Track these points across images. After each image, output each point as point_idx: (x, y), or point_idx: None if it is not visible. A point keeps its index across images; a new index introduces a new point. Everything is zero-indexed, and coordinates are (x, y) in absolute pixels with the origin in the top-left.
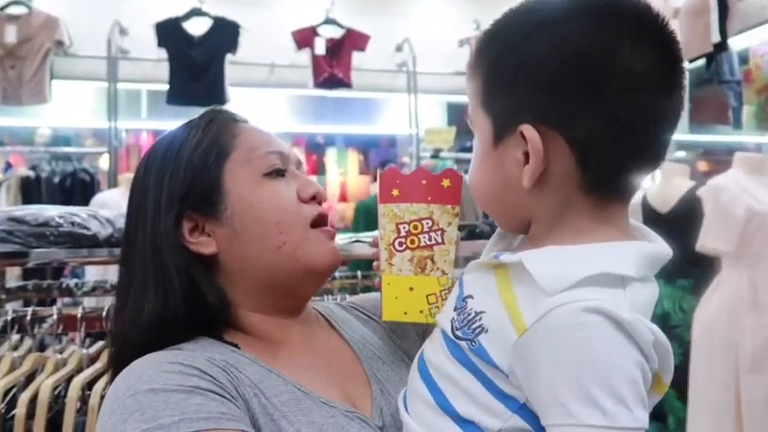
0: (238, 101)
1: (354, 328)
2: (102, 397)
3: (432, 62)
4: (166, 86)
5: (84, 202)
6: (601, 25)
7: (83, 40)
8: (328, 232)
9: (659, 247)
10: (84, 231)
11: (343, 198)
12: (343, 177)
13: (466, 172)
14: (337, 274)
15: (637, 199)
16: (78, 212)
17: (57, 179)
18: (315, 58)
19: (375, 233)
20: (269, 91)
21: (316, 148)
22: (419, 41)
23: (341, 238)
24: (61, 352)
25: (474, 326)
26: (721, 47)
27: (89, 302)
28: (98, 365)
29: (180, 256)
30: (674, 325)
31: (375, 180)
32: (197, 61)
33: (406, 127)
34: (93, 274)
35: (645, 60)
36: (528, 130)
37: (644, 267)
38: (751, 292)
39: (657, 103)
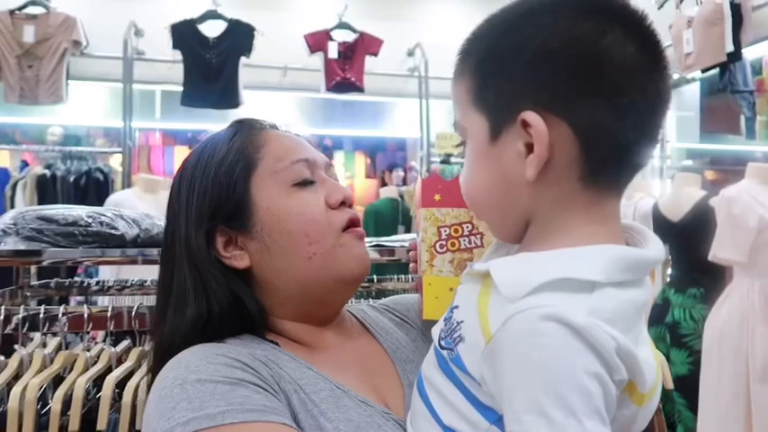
0: (251, 103)
1: (388, 330)
2: (135, 394)
3: (443, 67)
4: (180, 88)
5: (99, 201)
6: (589, 11)
7: (99, 40)
8: (358, 233)
9: (644, 252)
10: (113, 231)
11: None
12: (351, 181)
13: None
14: None
15: (648, 207)
16: (104, 212)
17: (72, 178)
18: (328, 62)
19: (400, 237)
20: (280, 94)
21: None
22: (431, 46)
23: None
24: (88, 350)
25: (455, 335)
26: (735, 57)
27: (102, 301)
28: (128, 363)
29: (216, 270)
30: (685, 334)
31: (384, 184)
32: (211, 63)
33: (414, 131)
34: (107, 273)
35: (635, 42)
36: (530, 115)
37: (618, 271)
38: (762, 301)
39: (652, 82)
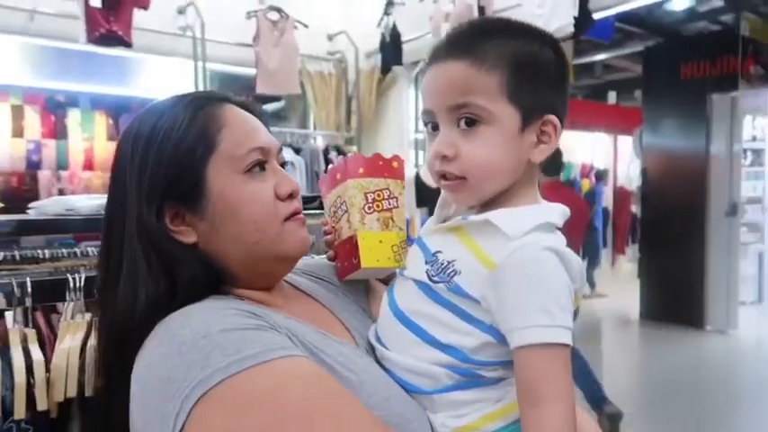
0: None
1: (313, 288)
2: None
3: (217, 30)
4: None
5: None
6: (549, 42)
7: None
8: (300, 220)
9: (564, 208)
10: None
11: (89, 166)
12: (89, 143)
13: None
14: None
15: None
16: None
17: None
18: (89, 10)
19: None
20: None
21: (55, 108)
22: (205, 9)
23: None
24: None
25: (448, 271)
26: None
27: None
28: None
29: (166, 242)
30: None
31: None
32: None
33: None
34: None
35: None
36: (553, 119)
37: (562, 220)
38: None
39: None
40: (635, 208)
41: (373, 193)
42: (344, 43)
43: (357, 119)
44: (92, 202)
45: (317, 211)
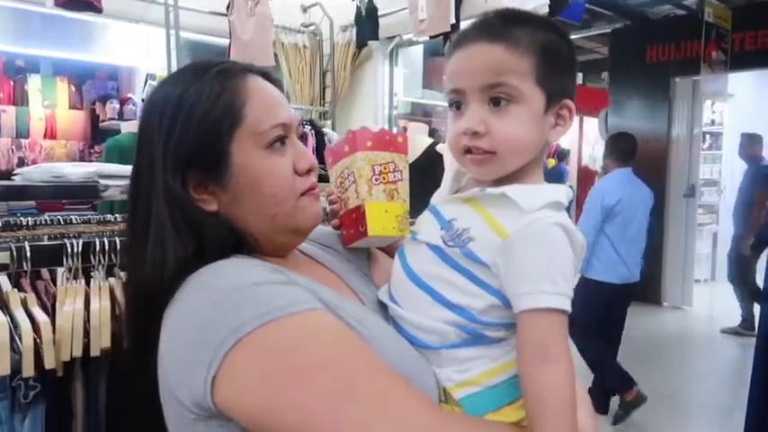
0: None
1: (319, 254)
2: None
3: None
4: None
5: None
6: (564, 34)
7: None
8: (315, 195)
9: (569, 189)
10: None
11: (51, 135)
12: (51, 110)
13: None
14: None
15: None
16: None
17: None
18: None
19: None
20: None
21: (15, 73)
22: None
23: None
24: None
25: (463, 237)
26: (456, 28)
27: None
28: None
29: (190, 208)
30: None
31: (96, 116)
32: None
33: (131, 58)
34: None
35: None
36: (570, 103)
37: (567, 200)
38: None
39: None
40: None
41: (380, 165)
42: (319, 16)
43: (332, 93)
44: (81, 169)
45: None
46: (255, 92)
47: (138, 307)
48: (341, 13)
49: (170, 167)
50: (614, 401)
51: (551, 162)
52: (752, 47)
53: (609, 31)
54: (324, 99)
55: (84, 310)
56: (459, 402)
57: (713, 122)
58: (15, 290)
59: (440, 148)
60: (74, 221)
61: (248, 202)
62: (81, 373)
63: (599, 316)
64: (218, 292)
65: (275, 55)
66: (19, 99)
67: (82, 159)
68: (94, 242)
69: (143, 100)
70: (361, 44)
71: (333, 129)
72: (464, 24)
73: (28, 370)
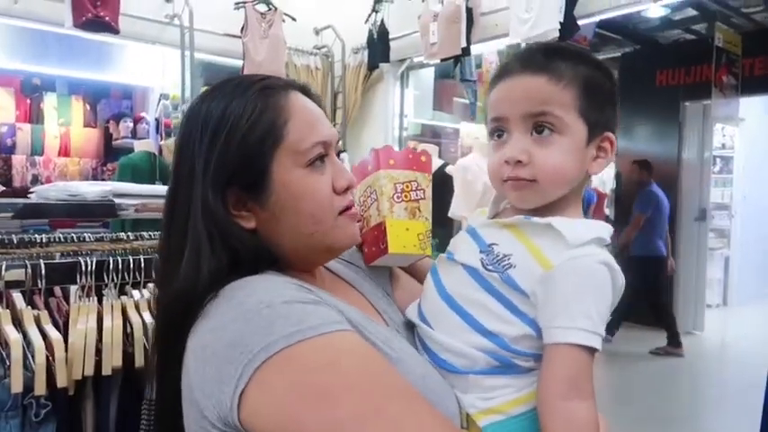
0: None
1: (342, 270)
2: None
3: (204, 20)
4: None
5: None
6: (606, 69)
7: None
8: (353, 216)
9: (610, 227)
10: None
11: (65, 152)
12: (65, 128)
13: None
14: None
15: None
16: None
17: None
18: None
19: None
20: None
21: (31, 92)
22: None
23: None
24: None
25: (503, 263)
26: (466, 51)
27: None
28: None
29: (228, 226)
30: None
31: (109, 135)
32: None
33: (146, 78)
34: None
35: None
36: (611, 136)
37: (609, 237)
38: None
39: None
40: (608, 210)
41: (402, 183)
42: (331, 38)
43: (343, 114)
44: (96, 188)
45: None
46: (297, 109)
47: (170, 322)
48: (353, 36)
49: (210, 184)
50: None
51: None
52: (762, 71)
53: (619, 55)
54: (335, 120)
55: (96, 329)
56: (482, 430)
57: (723, 146)
58: (29, 307)
59: (449, 169)
60: (87, 239)
61: (286, 220)
62: (92, 391)
63: None
64: (251, 308)
65: (287, 76)
66: (35, 117)
67: (95, 177)
68: (108, 260)
69: (157, 119)
70: (372, 66)
71: (344, 149)
72: (474, 48)
73: (40, 388)
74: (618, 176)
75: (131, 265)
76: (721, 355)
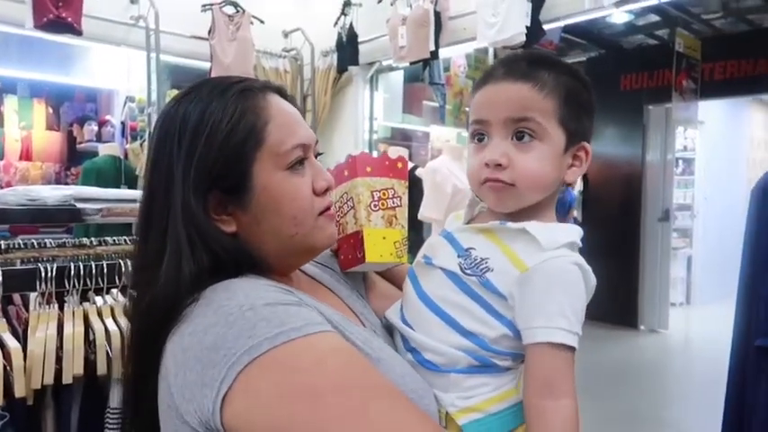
0: None
1: (316, 273)
2: None
3: (170, 22)
4: None
5: None
6: (585, 81)
7: None
8: (331, 216)
9: (580, 230)
10: None
11: (27, 156)
12: (27, 132)
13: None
14: None
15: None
16: None
17: None
18: None
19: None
20: None
21: None
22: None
23: None
24: None
25: (481, 267)
26: (435, 55)
27: None
28: None
29: (209, 230)
30: None
31: (73, 138)
32: None
33: (110, 81)
34: None
35: None
36: (588, 146)
37: (579, 240)
38: None
39: None
40: (576, 212)
41: (379, 191)
42: (300, 41)
43: (312, 117)
44: (57, 192)
45: None
46: (276, 111)
47: (149, 326)
48: (322, 39)
49: (191, 186)
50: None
51: None
52: (721, 76)
53: (584, 59)
54: None
55: (56, 336)
56: (462, 428)
57: (685, 148)
58: None
59: (419, 172)
60: (48, 245)
61: (268, 222)
62: (52, 401)
63: None
64: (232, 311)
65: (256, 79)
66: None
67: (58, 181)
68: (69, 266)
69: (122, 122)
70: (341, 69)
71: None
72: (443, 51)
73: None
74: (584, 178)
75: (93, 271)
76: (685, 352)
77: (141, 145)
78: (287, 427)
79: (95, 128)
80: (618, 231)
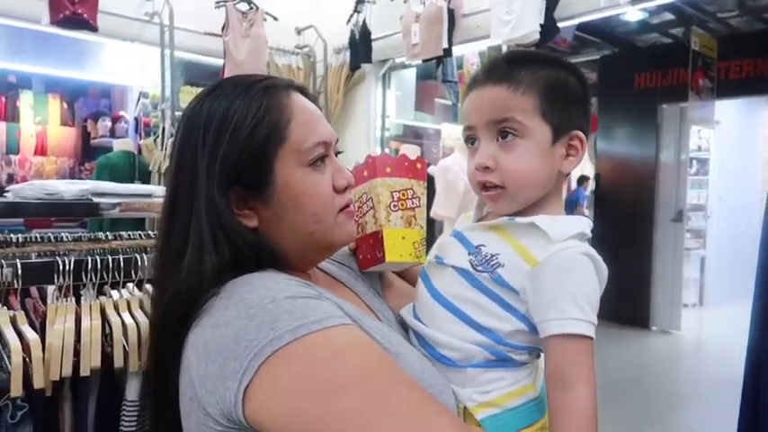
0: None
1: (334, 271)
2: None
3: (184, 18)
4: None
5: None
6: (573, 71)
7: None
8: (350, 213)
9: (590, 222)
10: None
11: (42, 151)
12: (42, 127)
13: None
14: None
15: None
16: None
17: None
18: None
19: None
20: None
21: (7, 89)
22: None
23: None
24: None
25: (492, 263)
26: (448, 52)
27: None
28: None
29: (232, 224)
30: None
31: (87, 134)
32: None
33: (125, 77)
34: None
35: None
36: (580, 134)
37: (589, 232)
38: None
39: None
40: (587, 211)
41: (399, 192)
42: (313, 38)
43: (324, 114)
44: (74, 186)
45: None
46: (299, 109)
47: (171, 319)
48: (335, 36)
49: (215, 181)
50: None
51: None
52: (737, 75)
53: (597, 57)
54: None
55: (74, 329)
56: (480, 423)
57: (700, 148)
58: (5, 308)
59: (431, 170)
60: (64, 239)
61: (288, 218)
62: (70, 393)
63: None
64: (254, 304)
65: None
66: (10, 115)
67: (72, 176)
68: (86, 260)
69: (136, 118)
70: (354, 66)
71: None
72: (456, 49)
73: (16, 389)
74: (597, 177)
75: (110, 265)
76: (697, 353)
77: (155, 141)
78: (308, 417)
79: (109, 123)
80: (630, 231)
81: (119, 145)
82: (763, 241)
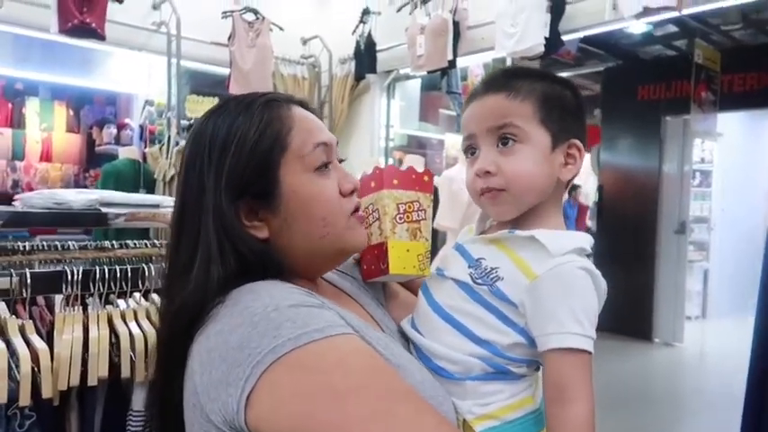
0: None
1: (336, 280)
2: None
3: (191, 28)
4: None
5: None
6: (568, 85)
7: None
8: (361, 217)
9: (590, 237)
10: None
11: (47, 157)
12: (47, 133)
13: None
14: None
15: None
16: None
17: None
18: (62, 0)
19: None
20: None
21: (13, 96)
22: (181, 6)
23: None
24: None
25: (491, 276)
26: (453, 64)
27: None
28: None
29: (241, 237)
30: None
31: (92, 141)
32: None
33: (130, 85)
34: None
35: None
36: (577, 142)
37: (590, 247)
38: None
39: None
40: (590, 222)
41: (405, 204)
42: (319, 48)
43: (329, 124)
44: (83, 196)
45: None
46: (299, 119)
47: (176, 331)
48: (340, 47)
49: (222, 195)
50: None
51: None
52: (740, 88)
53: (601, 69)
54: None
55: (82, 339)
56: None
57: (703, 160)
58: (14, 317)
59: (435, 180)
60: (70, 247)
61: (298, 225)
62: (77, 402)
63: None
64: (257, 312)
65: (274, 86)
66: (16, 122)
67: (77, 183)
68: (94, 270)
69: (141, 126)
70: (359, 77)
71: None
72: (460, 61)
73: (25, 398)
74: (600, 189)
75: (117, 275)
76: (700, 366)
77: (160, 149)
78: (309, 426)
79: (114, 131)
80: (633, 243)
81: (124, 153)
82: (766, 257)
